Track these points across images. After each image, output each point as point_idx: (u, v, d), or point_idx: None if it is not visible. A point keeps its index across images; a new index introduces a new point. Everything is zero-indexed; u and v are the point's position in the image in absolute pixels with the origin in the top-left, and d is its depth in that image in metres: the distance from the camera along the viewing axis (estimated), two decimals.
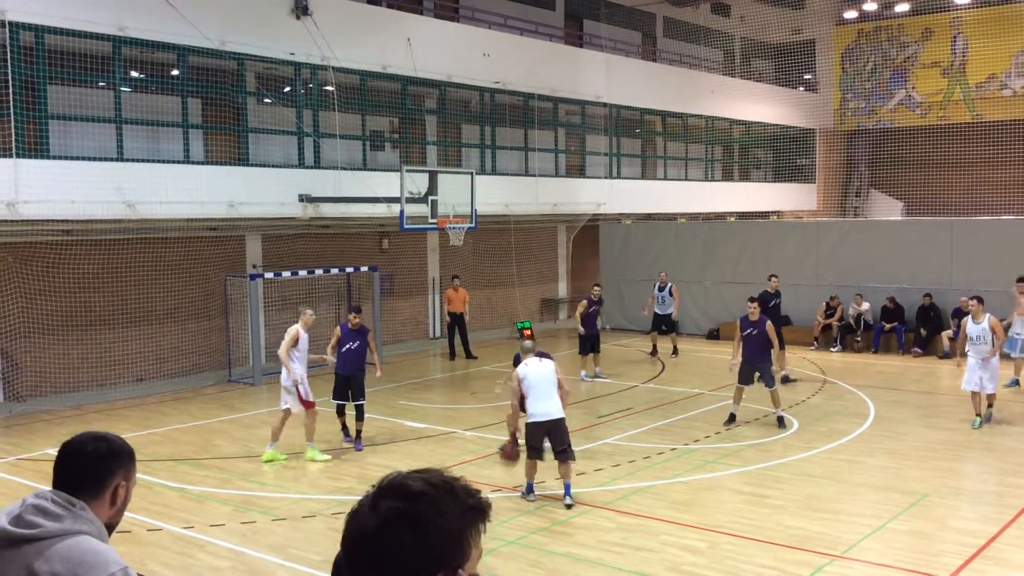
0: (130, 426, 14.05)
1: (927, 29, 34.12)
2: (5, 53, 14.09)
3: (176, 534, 9.20)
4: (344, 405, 12.94)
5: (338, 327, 13.13)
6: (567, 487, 9.95)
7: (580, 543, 8.87)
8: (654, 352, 20.32)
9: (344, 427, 13.15)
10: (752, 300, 14.22)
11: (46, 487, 2.74)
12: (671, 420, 14.20)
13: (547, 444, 10.00)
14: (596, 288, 18.86)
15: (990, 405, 13.52)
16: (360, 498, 1.80)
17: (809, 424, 13.75)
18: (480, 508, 1.78)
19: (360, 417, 12.76)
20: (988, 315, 13.32)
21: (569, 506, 9.84)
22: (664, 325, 20.45)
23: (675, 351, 20.55)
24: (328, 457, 12.17)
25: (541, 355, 10.30)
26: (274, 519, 9.64)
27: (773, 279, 18.11)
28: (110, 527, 2.77)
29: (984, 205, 30.27)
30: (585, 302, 18.09)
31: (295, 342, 12.18)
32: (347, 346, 12.76)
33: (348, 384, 12.75)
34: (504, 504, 9.93)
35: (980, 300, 13.53)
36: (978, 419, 13.29)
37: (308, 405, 12.13)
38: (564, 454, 9.89)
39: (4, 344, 15.79)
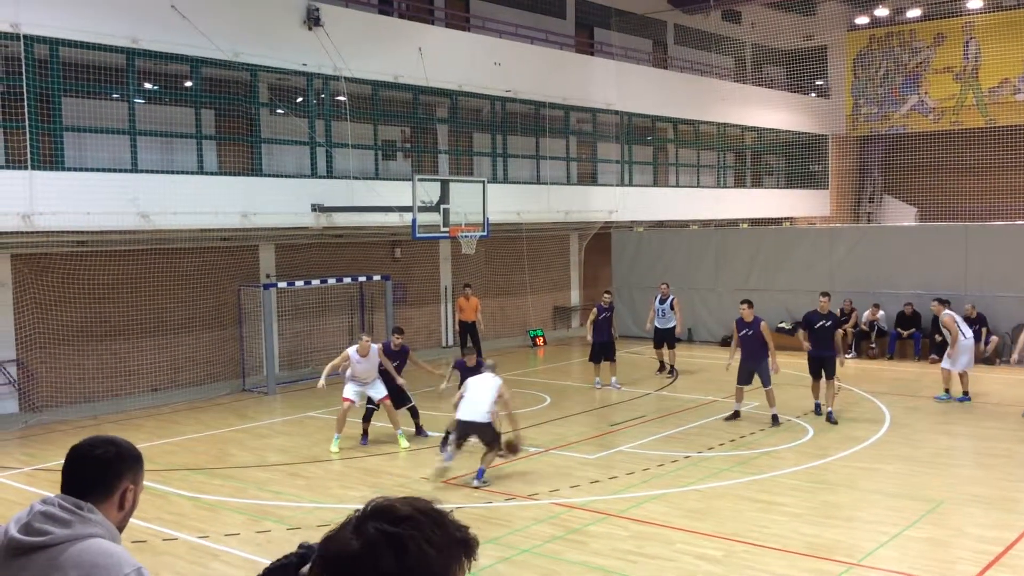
0: (145, 436, 14.10)
1: (939, 34, 34.01)
2: (20, 66, 14.21)
3: (191, 543, 9.22)
4: (373, 411, 13.49)
5: (379, 346, 13.55)
6: (480, 472, 11.14)
7: (594, 551, 8.84)
8: (662, 368, 19.51)
9: (366, 432, 13.53)
10: (745, 302, 14.63)
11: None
12: (684, 428, 14.15)
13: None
14: (606, 295, 18.72)
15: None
16: (341, 522, 1.76)
17: (824, 431, 13.68)
18: (467, 542, 1.76)
19: (416, 414, 13.81)
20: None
21: (476, 487, 10.93)
22: (666, 341, 19.20)
23: (671, 371, 19.18)
24: (407, 444, 13.11)
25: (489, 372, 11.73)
26: (289, 528, 9.66)
27: (823, 298, 15.26)
28: (118, 530, 2.76)
29: (998, 210, 30.12)
30: (595, 309, 18.01)
31: (345, 360, 13.14)
32: (394, 364, 13.51)
33: (398, 396, 13.52)
34: (518, 512, 9.92)
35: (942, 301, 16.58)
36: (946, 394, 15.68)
37: (346, 400, 13.03)
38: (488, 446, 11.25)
39: (20, 355, 15.89)
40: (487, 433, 11.19)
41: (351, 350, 13.22)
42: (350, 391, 13.14)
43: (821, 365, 14.56)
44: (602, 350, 17.73)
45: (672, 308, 19.32)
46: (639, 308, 24.84)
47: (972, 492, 10.58)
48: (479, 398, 11.21)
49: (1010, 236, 20.34)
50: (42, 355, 16.01)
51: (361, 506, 1.77)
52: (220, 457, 12.95)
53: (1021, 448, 12.51)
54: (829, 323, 14.59)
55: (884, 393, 16.60)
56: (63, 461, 2.79)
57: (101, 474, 2.73)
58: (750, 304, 14.58)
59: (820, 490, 10.72)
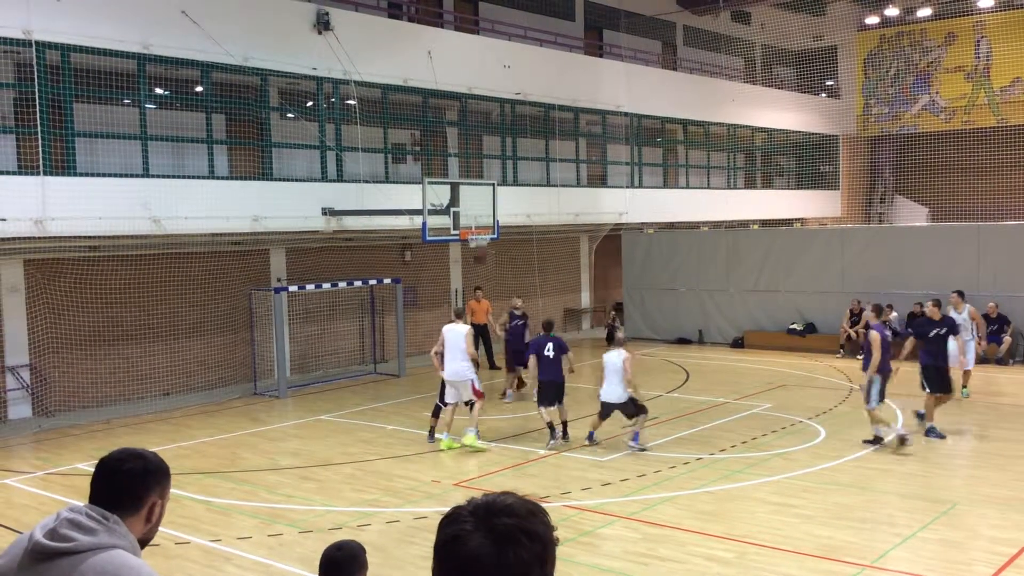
0: (158, 439, 14.16)
1: (950, 33, 33.88)
2: (32, 72, 14.30)
3: (204, 547, 9.25)
4: (441, 408, 13.55)
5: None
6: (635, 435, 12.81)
7: (606, 554, 8.83)
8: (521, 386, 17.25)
9: (432, 428, 13.70)
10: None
11: (75, 501, 2.76)
12: (696, 429, 14.12)
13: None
14: (517, 300, 18.14)
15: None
16: (450, 528, 1.80)
17: (836, 432, 13.63)
18: (554, 530, 1.89)
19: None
20: (968, 306, 15.85)
21: (641, 451, 12.54)
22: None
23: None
24: (489, 446, 13.02)
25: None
26: (301, 531, 9.67)
27: (931, 305, 13.98)
28: (144, 542, 2.80)
29: (1010, 209, 29.97)
30: (507, 315, 17.77)
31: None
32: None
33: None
34: None
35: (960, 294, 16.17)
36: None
37: (480, 395, 13.22)
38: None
39: (33, 359, 15.98)
40: (628, 408, 12.65)
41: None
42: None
43: (943, 376, 13.40)
44: (514, 357, 16.97)
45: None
46: (650, 309, 24.84)
47: (986, 493, 10.52)
48: (613, 379, 12.62)
49: (1023, 236, 20.23)
50: (55, 359, 16.09)
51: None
52: (232, 461, 12.98)
53: None
54: (944, 330, 13.53)
55: (896, 394, 16.51)
56: (92, 473, 2.82)
57: (130, 488, 2.76)
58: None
59: (833, 491, 10.68)
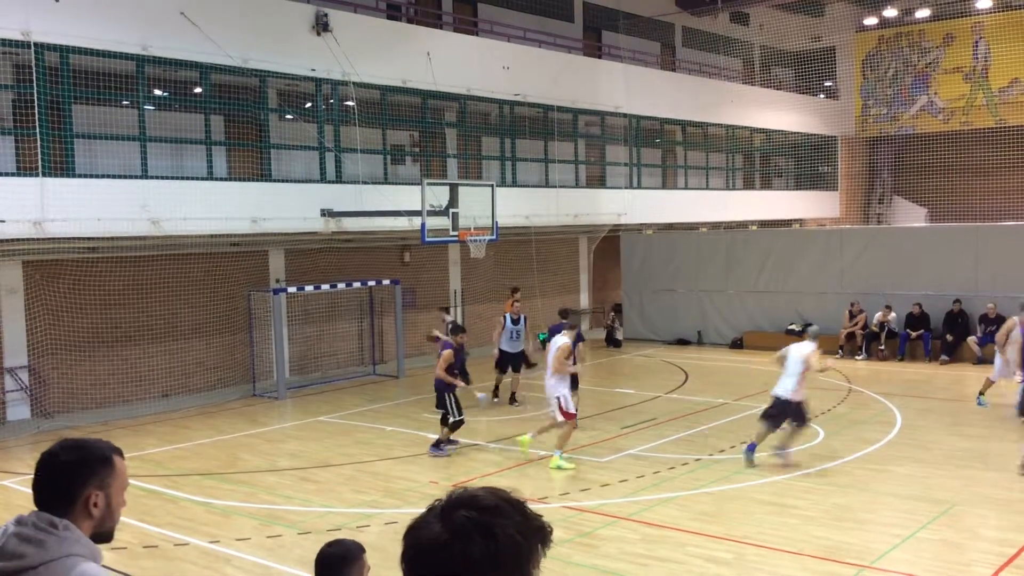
0: (156, 441, 14.15)
1: (948, 34, 33.91)
2: (31, 74, 14.30)
3: (203, 548, 9.25)
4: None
5: (450, 351, 13.15)
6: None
7: (605, 555, 8.83)
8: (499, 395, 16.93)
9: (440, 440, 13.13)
10: None
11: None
12: (695, 430, 14.13)
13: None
14: (441, 312, 17.99)
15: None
16: (420, 514, 1.79)
17: (835, 433, 13.64)
18: (544, 530, 1.81)
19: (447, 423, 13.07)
20: None
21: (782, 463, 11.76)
22: (512, 364, 16.75)
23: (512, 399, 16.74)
24: (574, 467, 12.05)
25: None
26: (299, 533, 9.67)
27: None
28: (101, 536, 2.63)
29: (1009, 210, 29.99)
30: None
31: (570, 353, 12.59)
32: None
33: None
34: None
35: None
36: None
37: (568, 416, 12.28)
38: None
39: (32, 361, 15.97)
40: (795, 411, 11.72)
41: (567, 339, 12.63)
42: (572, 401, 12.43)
43: None
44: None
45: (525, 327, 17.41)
46: (648, 311, 24.85)
47: (985, 494, 10.53)
48: (789, 370, 11.81)
49: (1021, 236, 20.25)
50: (54, 361, 16.08)
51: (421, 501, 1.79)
52: (231, 462, 12.98)
53: None
54: None
55: (895, 395, 16.54)
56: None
57: (61, 482, 2.59)
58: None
59: (831, 492, 10.69)
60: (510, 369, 16.72)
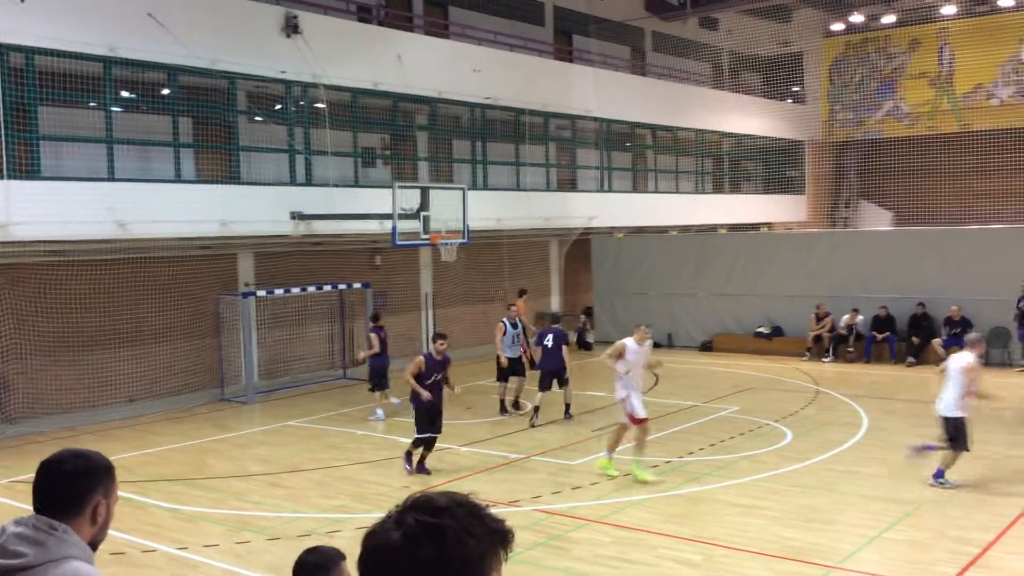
0: (123, 446, 13.99)
1: (914, 40, 34.35)
2: None
3: (170, 555, 9.16)
4: (435, 439, 12.18)
5: (422, 357, 12.27)
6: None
7: (577, 558, 8.85)
8: (505, 411, 16.17)
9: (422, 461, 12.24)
10: None
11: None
12: (665, 433, 14.19)
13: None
14: (374, 321, 16.94)
15: None
16: (380, 519, 1.79)
17: (802, 435, 13.77)
18: (503, 533, 1.78)
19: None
20: None
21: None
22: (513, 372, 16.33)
23: (517, 405, 16.45)
24: (654, 478, 11.46)
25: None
26: (268, 539, 9.61)
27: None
28: (94, 545, 2.72)
29: (973, 214, 30.41)
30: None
31: (621, 354, 11.81)
32: (434, 377, 12.00)
33: (440, 416, 12.16)
34: None
35: None
36: None
37: (636, 421, 11.72)
38: None
39: None
40: (948, 428, 10.84)
41: (629, 341, 11.91)
42: (640, 405, 11.72)
43: None
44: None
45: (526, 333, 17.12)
46: (620, 314, 24.92)
47: (950, 494, 10.67)
48: (949, 385, 10.84)
49: (985, 240, 20.57)
50: (18, 366, 15.84)
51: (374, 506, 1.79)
52: (199, 467, 12.87)
53: (998, 450, 12.63)
54: None
55: (861, 396, 16.72)
56: (34, 476, 2.73)
57: (71, 489, 2.67)
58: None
59: (799, 493, 10.79)
60: (510, 376, 16.12)
